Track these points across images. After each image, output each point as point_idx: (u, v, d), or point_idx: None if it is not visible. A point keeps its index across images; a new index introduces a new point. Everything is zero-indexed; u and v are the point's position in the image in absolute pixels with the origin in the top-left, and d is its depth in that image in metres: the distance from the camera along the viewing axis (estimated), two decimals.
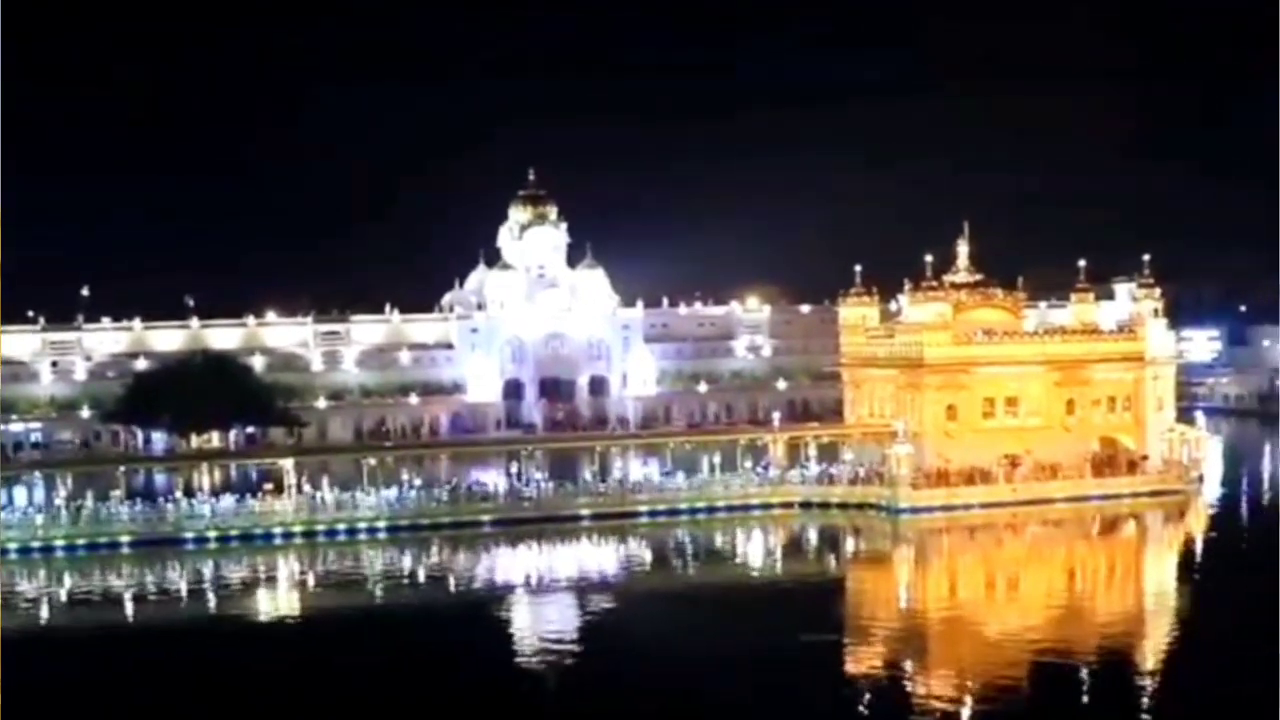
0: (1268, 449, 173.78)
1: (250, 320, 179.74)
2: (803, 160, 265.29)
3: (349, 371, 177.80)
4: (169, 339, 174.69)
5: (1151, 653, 73.58)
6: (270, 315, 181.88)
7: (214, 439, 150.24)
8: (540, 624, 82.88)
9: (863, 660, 71.30)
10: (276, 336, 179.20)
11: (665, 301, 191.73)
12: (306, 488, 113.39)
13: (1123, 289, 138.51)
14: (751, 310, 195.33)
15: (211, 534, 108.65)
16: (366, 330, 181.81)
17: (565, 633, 79.75)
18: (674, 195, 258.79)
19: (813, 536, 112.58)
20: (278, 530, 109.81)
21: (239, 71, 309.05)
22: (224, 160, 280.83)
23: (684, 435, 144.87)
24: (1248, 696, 62.28)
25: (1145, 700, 63.08)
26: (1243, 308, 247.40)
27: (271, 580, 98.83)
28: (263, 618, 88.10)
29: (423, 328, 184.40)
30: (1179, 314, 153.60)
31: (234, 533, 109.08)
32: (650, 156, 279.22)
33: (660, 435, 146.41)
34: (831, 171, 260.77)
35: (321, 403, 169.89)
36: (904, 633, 79.08)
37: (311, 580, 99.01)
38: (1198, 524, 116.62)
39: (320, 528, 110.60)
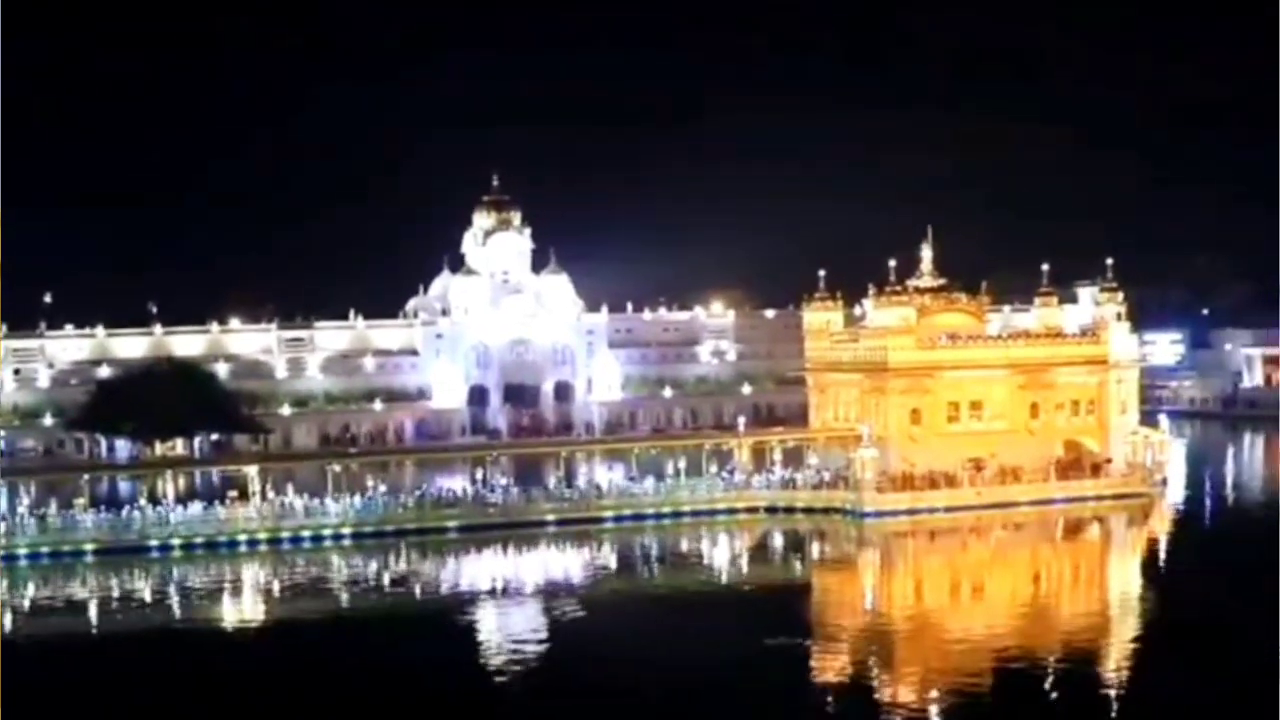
0: (1231, 452, 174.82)
1: (214, 327, 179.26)
2: (767, 165, 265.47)
3: (313, 378, 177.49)
4: (132, 346, 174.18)
5: (1116, 655, 73.80)
6: (234, 322, 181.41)
7: (178, 446, 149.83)
8: (506, 630, 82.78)
9: (829, 664, 71.39)
10: (240, 343, 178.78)
11: (630, 307, 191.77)
12: (271, 495, 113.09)
13: (1086, 293, 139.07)
14: (716, 315, 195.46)
15: (176, 542, 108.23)
16: (331, 336, 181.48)
17: (531, 638, 79.67)
18: (638, 201, 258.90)
19: (778, 541, 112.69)
20: (243, 538, 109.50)
21: (202, 77, 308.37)
22: (186, 166, 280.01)
23: (649, 440, 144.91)
24: (1212, 698, 62.60)
25: (1111, 702, 63.28)
26: (1205, 311, 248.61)
27: (237, 588, 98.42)
28: (228, 625, 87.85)
29: (387, 334, 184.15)
30: (1142, 317, 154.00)
31: (199, 540, 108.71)
32: (615, 162, 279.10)
33: (625, 441, 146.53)
34: (795, 176, 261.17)
35: (286, 409, 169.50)
36: (870, 636, 79.17)
37: (277, 587, 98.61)
38: (1161, 527, 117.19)
39: (285, 535, 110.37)
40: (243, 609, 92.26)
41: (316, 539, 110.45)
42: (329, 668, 72.37)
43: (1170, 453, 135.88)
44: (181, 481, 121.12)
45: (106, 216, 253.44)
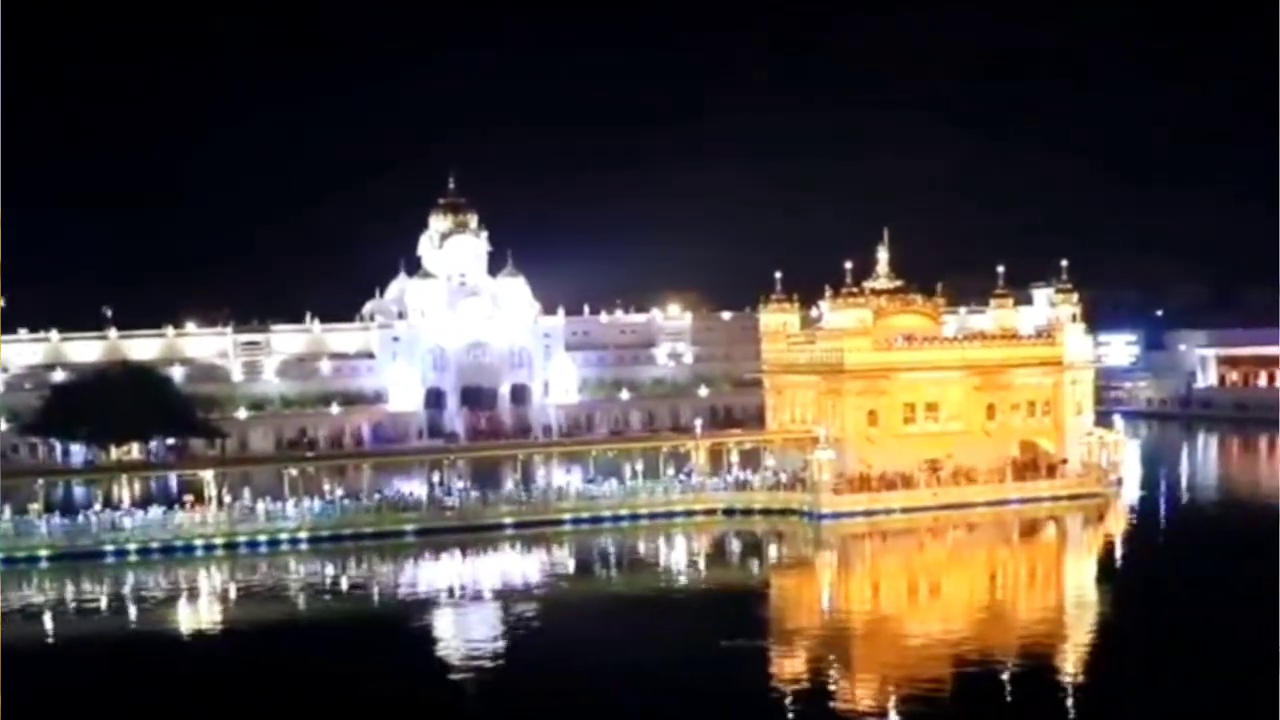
0: (1185, 452, 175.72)
1: (169, 331, 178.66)
2: (723, 168, 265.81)
3: (269, 382, 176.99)
4: (87, 350, 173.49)
5: (1073, 654, 74.11)
6: (190, 326, 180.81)
7: (134, 451, 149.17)
8: (463, 633, 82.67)
9: (786, 665, 71.45)
10: (196, 347, 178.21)
11: (586, 309, 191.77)
12: (228, 499, 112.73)
13: (1041, 294, 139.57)
14: (673, 317, 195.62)
15: (132, 547, 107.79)
16: (287, 340, 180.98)
17: (488, 642, 79.61)
18: (595, 203, 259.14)
19: (735, 543, 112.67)
20: (199, 542, 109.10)
21: (159, 81, 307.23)
22: (142, 170, 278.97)
23: (606, 443, 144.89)
24: (1168, 697, 62.92)
25: (1068, 701, 63.51)
26: (1159, 312, 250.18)
27: (193, 593, 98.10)
28: (185, 631, 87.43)
29: (343, 337, 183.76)
30: (1097, 319, 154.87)
31: (155, 545, 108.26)
32: (571, 165, 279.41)
33: (582, 443, 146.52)
34: (752, 178, 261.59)
35: (242, 413, 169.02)
36: (827, 637, 79.29)
37: (234, 592, 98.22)
38: (1117, 526, 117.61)
39: (242, 539, 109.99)
40: (199, 614, 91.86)
41: (273, 543, 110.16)
42: (286, 673, 72.13)
43: (1125, 453, 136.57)
44: (137, 486, 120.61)
45: (60, 220, 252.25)
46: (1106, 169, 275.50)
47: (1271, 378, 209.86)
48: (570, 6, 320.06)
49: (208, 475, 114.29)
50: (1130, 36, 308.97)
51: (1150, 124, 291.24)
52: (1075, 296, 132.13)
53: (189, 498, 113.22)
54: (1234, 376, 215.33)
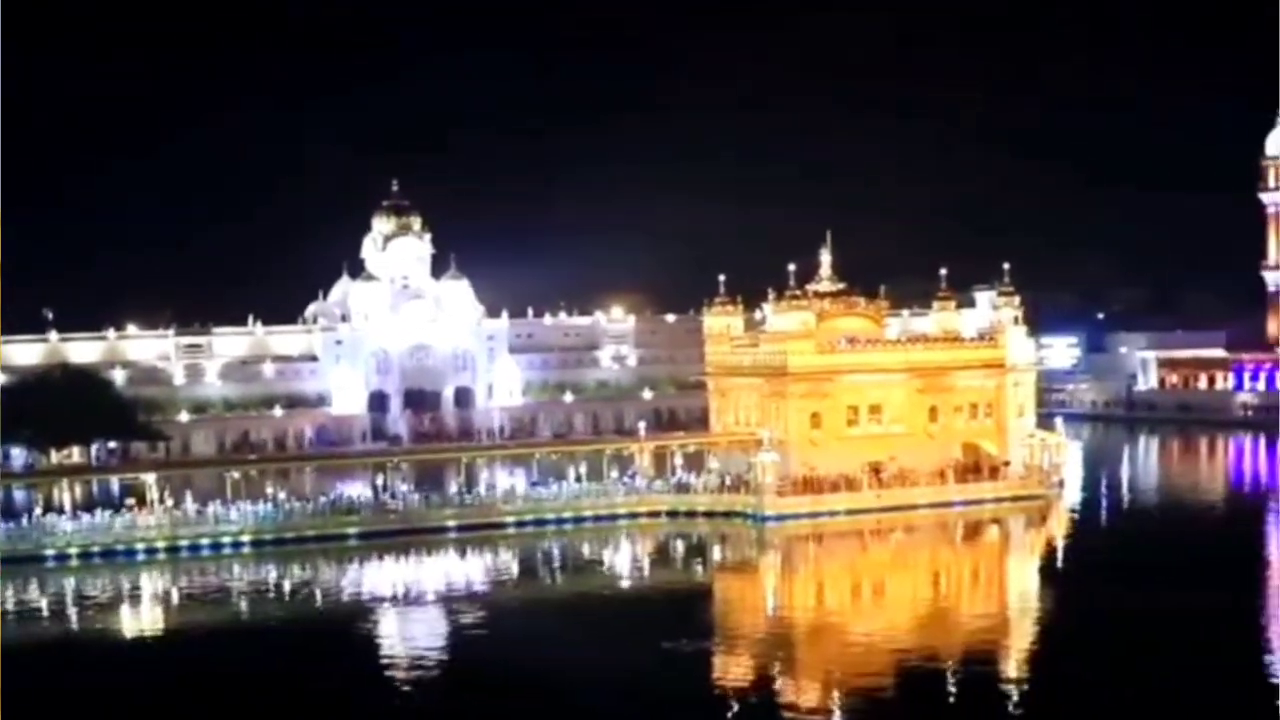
0: (1126, 453, 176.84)
1: (111, 333, 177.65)
2: (666, 170, 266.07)
3: (212, 384, 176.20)
4: (27, 353, 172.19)
5: (1015, 655, 74.52)
6: (131, 328, 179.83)
7: (75, 454, 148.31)
8: (407, 636, 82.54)
9: (731, 667, 71.59)
10: (137, 349, 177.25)
11: (530, 312, 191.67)
12: (170, 502, 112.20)
13: (983, 297, 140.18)
14: (616, 320, 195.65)
15: (73, 551, 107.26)
16: (229, 343, 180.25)
17: (433, 645, 79.52)
18: (538, 206, 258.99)
19: (680, 545, 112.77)
20: (140, 546, 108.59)
21: (103, 81, 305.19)
22: (83, 170, 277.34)
23: (550, 446, 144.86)
24: (1110, 697, 63.33)
25: (1010, 701, 63.83)
26: (1100, 315, 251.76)
27: (135, 597, 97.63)
28: (126, 635, 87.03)
29: (286, 340, 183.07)
30: (1039, 321, 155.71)
31: (96, 549, 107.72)
32: (515, 167, 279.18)
33: (526, 446, 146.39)
34: (695, 181, 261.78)
35: (184, 416, 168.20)
36: (772, 639, 79.48)
37: (176, 596, 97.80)
38: (1059, 528, 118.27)
39: (184, 543, 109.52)
40: (141, 619, 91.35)
41: (216, 547, 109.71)
42: (229, 677, 71.83)
43: (1066, 455, 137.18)
44: (78, 490, 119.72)
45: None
46: (1048, 172, 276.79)
47: (1211, 380, 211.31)
48: (512, 11, 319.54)
49: (149, 478, 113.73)
50: (1072, 40, 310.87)
51: (1091, 127, 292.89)
52: (1017, 299, 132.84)
53: (131, 501, 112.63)
54: (1174, 379, 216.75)
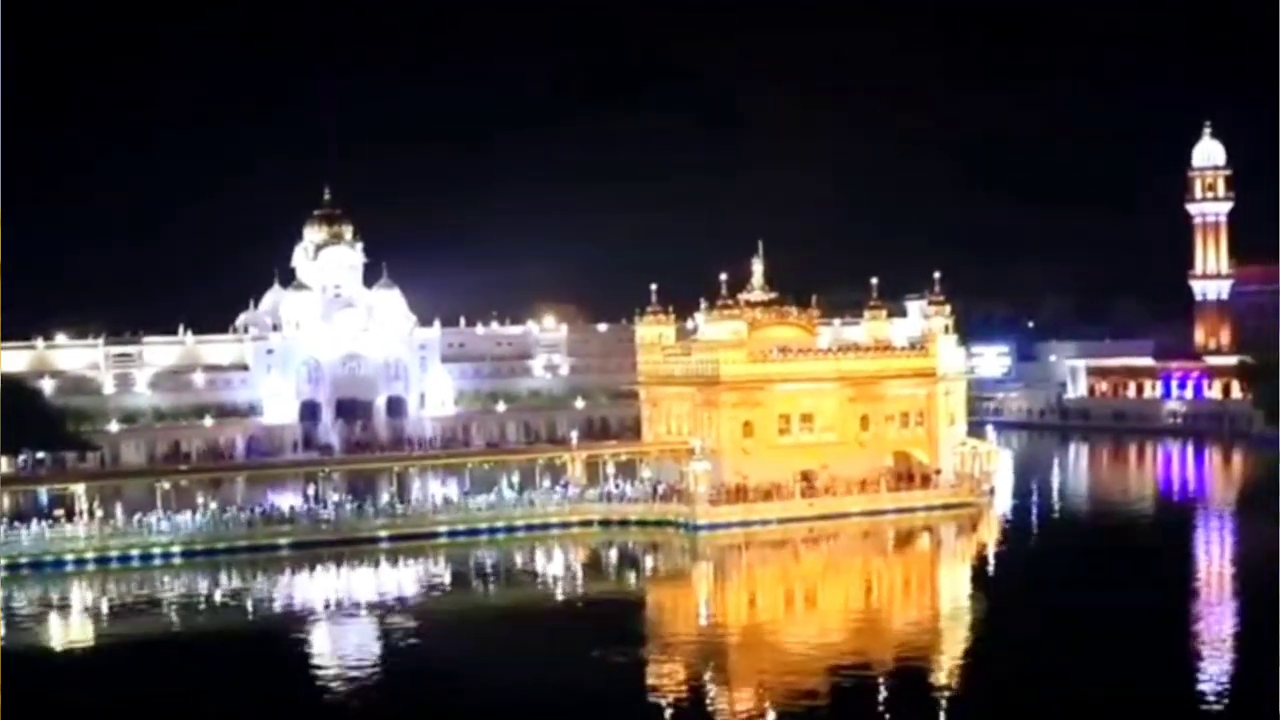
0: (1056, 461, 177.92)
1: (39, 343, 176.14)
2: (598, 179, 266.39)
3: (142, 394, 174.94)
4: None
5: (947, 661, 74.90)
6: (60, 337, 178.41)
7: (2, 464, 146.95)
8: (339, 648, 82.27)
9: (664, 676, 71.66)
10: (66, 359, 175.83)
11: (463, 321, 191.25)
12: (99, 513, 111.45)
13: (914, 306, 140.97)
14: (549, 330, 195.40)
15: (1, 562, 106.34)
16: (159, 352, 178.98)
17: (364, 656, 79.19)
18: (471, 215, 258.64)
19: (612, 554, 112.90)
20: (69, 557, 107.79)
21: (31, 83, 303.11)
22: (9, 178, 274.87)
23: (482, 455, 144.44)
24: (1041, 703, 63.75)
25: (942, 707, 64.18)
26: (1030, 324, 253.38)
27: (64, 608, 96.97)
28: (55, 647, 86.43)
29: (217, 349, 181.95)
30: (969, 330, 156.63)
31: (24, 560, 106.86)
32: (447, 176, 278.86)
33: (459, 455, 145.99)
34: (627, 189, 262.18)
35: (114, 426, 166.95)
36: (705, 647, 79.58)
37: (105, 608, 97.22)
38: (990, 535, 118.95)
39: (113, 554, 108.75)
40: (70, 630, 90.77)
41: (146, 557, 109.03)
42: (159, 690, 71.44)
43: (997, 463, 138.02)
44: (6, 500, 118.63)
45: None
46: (978, 183, 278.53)
47: (1140, 388, 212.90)
48: (446, 19, 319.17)
49: (79, 489, 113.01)
50: (999, 47, 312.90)
51: (1019, 136, 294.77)
52: (948, 308, 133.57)
53: (59, 512, 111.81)
54: (1103, 387, 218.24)
